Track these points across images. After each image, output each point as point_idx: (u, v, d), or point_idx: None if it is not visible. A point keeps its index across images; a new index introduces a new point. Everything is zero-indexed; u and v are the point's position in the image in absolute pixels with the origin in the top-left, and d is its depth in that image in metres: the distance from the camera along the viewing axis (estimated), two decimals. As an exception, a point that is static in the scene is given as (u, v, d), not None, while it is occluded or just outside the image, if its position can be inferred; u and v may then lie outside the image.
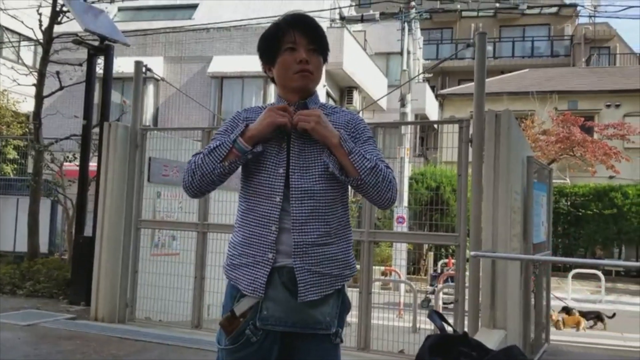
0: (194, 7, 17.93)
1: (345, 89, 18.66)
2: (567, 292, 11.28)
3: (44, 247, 9.09)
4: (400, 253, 9.51)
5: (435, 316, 1.83)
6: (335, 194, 1.89)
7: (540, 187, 5.66)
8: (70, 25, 8.64)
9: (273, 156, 1.88)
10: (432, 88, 26.39)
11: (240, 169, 1.93)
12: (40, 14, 8.71)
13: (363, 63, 19.02)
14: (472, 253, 4.38)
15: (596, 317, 8.51)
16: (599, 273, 11.94)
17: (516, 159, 4.71)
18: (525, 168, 5.02)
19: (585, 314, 8.39)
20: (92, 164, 7.38)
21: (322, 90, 16.26)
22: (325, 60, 2.00)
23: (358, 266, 5.99)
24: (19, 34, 15.95)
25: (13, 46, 16.34)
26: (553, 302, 6.14)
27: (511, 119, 4.60)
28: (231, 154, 1.83)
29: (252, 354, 1.83)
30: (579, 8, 28.46)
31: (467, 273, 4.83)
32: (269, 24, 2.02)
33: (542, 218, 5.78)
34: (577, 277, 12.80)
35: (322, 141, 1.83)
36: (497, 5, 25.07)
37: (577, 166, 18.03)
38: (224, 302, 1.92)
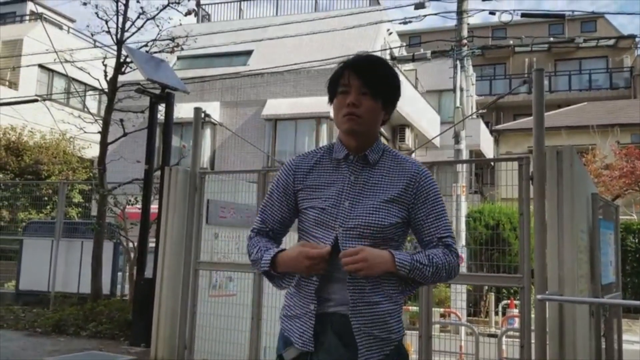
0: (249, 53, 18.50)
1: (398, 127, 18.64)
2: (638, 335, 10.64)
3: (106, 289, 9.34)
4: (460, 295, 9.21)
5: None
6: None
7: (606, 224, 5.41)
8: (133, 75, 9.06)
9: (327, 218, 1.86)
10: (487, 124, 26.00)
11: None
12: (105, 65, 9.16)
13: (415, 101, 19.01)
14: (539, 296, 4.18)
15: None
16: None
17: (580, 196, 4.53)
18: (590, 205, 4.82)
19: None
20: (153, 207, 7.59)
21: (374, 129, 16.26)
22: (387, 103, 1.91)
23: (415, 308, 5.85)
24: (85, 84, 16.86)
25: (79, 95, 17.25)
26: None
27: (573, 154, 4.45)
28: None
29: None
30: (638, 39, 27.69)
31: (533, 316, 4.63)
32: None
33: (610, 257, 5.51)
34: (650, 318, 12.05)
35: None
36: (552, 39, 24.69)
37: (643, 201, 17.21)
38: (277, 348, 1.91)
